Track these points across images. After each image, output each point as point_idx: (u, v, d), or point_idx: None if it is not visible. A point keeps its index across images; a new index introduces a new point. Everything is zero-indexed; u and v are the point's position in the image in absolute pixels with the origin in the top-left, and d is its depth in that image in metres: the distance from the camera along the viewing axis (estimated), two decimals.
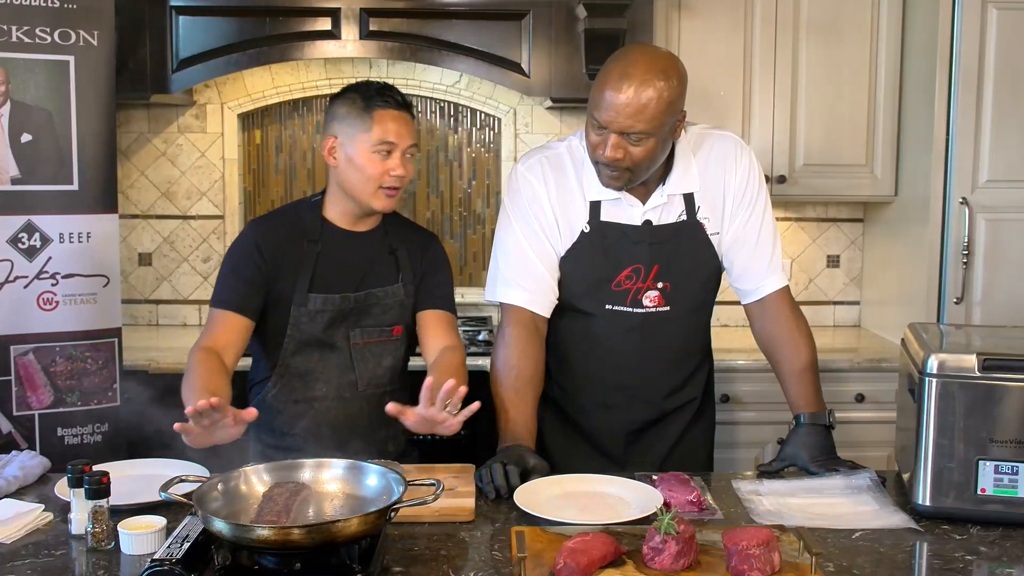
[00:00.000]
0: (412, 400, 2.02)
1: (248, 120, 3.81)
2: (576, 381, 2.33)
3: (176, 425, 1.85)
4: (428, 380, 1.90)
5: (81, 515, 1.78)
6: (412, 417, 1.92)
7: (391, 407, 1.93)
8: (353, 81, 3.72)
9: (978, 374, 1.86)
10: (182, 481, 1.71)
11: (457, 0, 3.33)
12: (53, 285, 2.94)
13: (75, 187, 2.95)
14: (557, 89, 3.38)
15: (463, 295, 3.86)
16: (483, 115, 3.84)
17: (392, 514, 1.62)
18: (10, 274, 2.89)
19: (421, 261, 2.34)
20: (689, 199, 2.22)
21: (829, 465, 2.11)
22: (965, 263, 3.22)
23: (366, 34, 3.31)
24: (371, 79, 2.32)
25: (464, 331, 3.46)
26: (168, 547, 1.59)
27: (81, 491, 1.77)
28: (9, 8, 2.84)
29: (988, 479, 1.86)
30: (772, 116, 3.51)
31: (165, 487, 1.66)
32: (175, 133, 3.76)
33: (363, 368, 2.29)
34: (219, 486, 1.71)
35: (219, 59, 3.32)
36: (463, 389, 1.91)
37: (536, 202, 2.22)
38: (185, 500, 1.62)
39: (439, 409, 1.87)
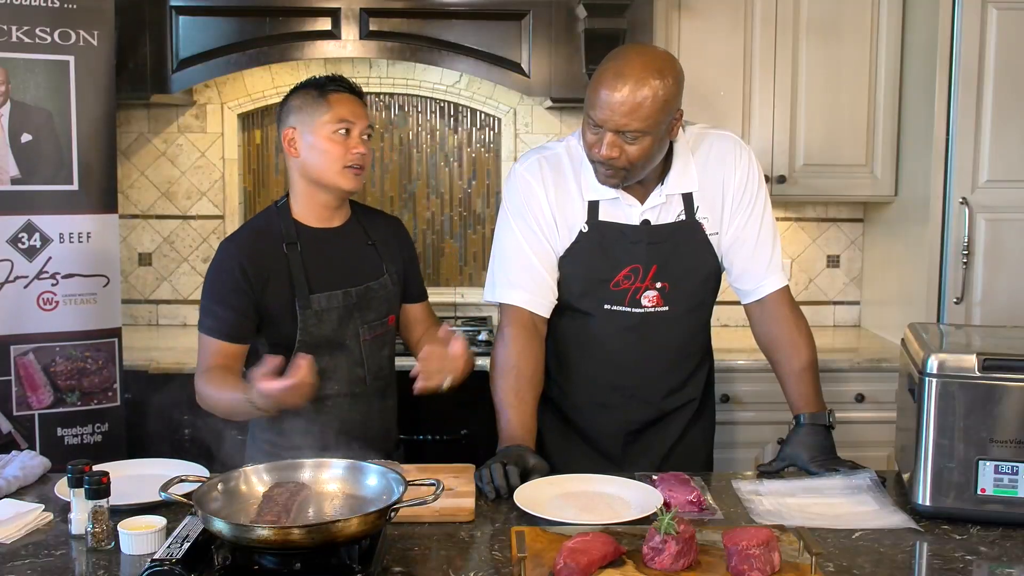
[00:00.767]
0: (402, 389, 2.26)
1: (248, 120, 3.81)
2: (575, 381, 2.33)
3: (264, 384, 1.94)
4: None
5: (81, 515, 1.78)
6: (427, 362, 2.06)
7: (419, 386, 2.07)
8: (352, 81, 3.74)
9: (978, 374, 1.86)
10: (182, 481, 1.71)
11: (457, 0, 3.33)
12: (53, 285, 2.94)
13: (75, 187, 2.95)
14: (557, 89, 3.38)
15: (463, 295, 3.86)
16: (483, 115, 3.84)
17: (392, 514, 1.62)
18: (10, 274, 2.89)
19: (400, 252, 2.39)
20: (688, 199, 2.22)
21: (829, 465, 2.11)
22: (965, 263, 3.22)
23: (366, 34, 3.31)
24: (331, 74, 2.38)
25: (464, 331, 3.46)
26: (168, 547, 1.59)
27: (81, 491, 1.77)
28: (9, 8, 2.84)
29: (988, 479, 1.86)
30: (772, 116, 3.51)
31: (165, 487, 1.65)
32: (175, 133, 3.76)
33: (371, 362, 2.30)
34: (219, 486, 1.71)
35: (219, 59, 3.32)
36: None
37: (535, 202, 2.22)
38: (185, 500, 1.62)
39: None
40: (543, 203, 2.22)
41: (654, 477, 2.02)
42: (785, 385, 2.27)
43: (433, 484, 1.69)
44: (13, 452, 2.16)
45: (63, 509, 1.87)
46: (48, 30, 2.88)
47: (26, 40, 2.86)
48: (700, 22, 3.47)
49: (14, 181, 2.88)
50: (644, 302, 2.23)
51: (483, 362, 3.10)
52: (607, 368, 2.28)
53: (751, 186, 2.24)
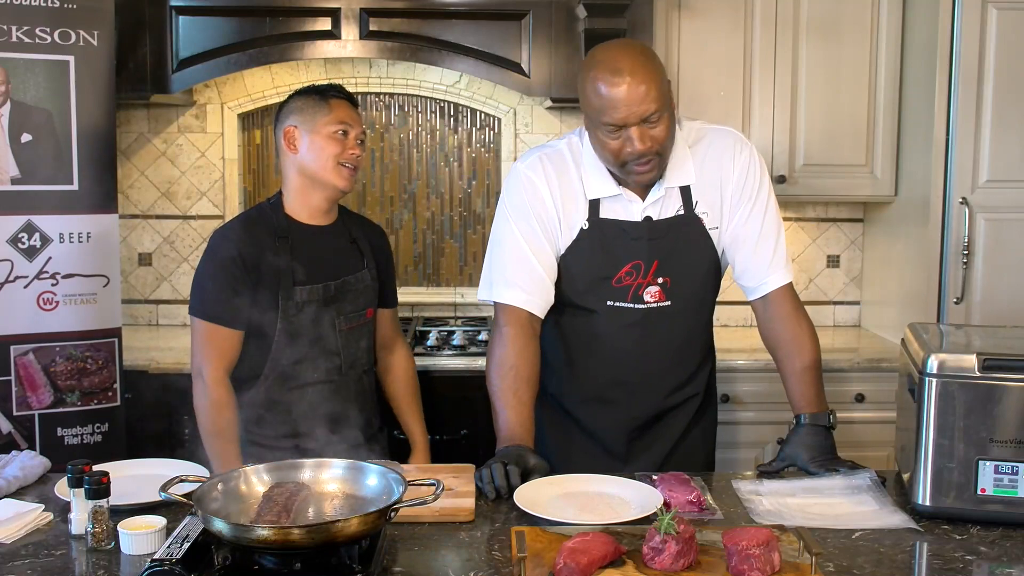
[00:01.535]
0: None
1: (248, 120, 3.81)
2: (578, 378, 2.33)
3: None
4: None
5: (81, 515, 1.78)
6: None
7: None
8: (352, 81, 3.75)
9: (978, 374, 1.86)
10: (182, 481, 1.71)
11: (457, 0, 3.33)
12: (53, 285, 2.94)
13: (75, 187, 2.95)
14: (557, 89, 3.38)
15: (463, 295, 3.86)
16: (483, 115, 3.84)
17: (392, 514, 1.62)
18: (10, 274, 2.89)
19: (379, 253, 2.58)
20: (686, 192, 2.22)
21: (829, 465, 2.10)
22: (965, 263, 3.22)
23: (366, 34, 3.31)
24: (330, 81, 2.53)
25: (464, 331, 3.46)
26: (168, 547, 1.59)
27: (81, 491, 1.77)
28: (9, 8, 2.84)
29: (988, 479, 1.86)
30: (772, 116, 3.51)
31: (165, 487, 1.65)
32: (175, 133, 3.76)
33: (347, 352, 2.45)
34: (219, 486, 1.71)
35: (219, 59, 3.32)
36: None
37: (538, 199, 2.22)
38: (185, 500, 1.62)
39: None
40: (547, 200, 2.22)
41: (654, 477, 2.02)
42: (787, 384, 2.26)
43: (433, 484, 1.69)
44: (13, 452, 2.16)
45: (63, 509, 1.87)
46: (48, 30, 2.88)
47: (26, 40, 2.86)
48: (700, 22, 3.47)
49: (14, 181, 2.88)
50: (647, 298, 2.23)
51: (483, 362, 3.11)
52: (610, 364, 2.28)
53: (752, 181, 2.24)
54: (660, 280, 2.22)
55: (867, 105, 3.52)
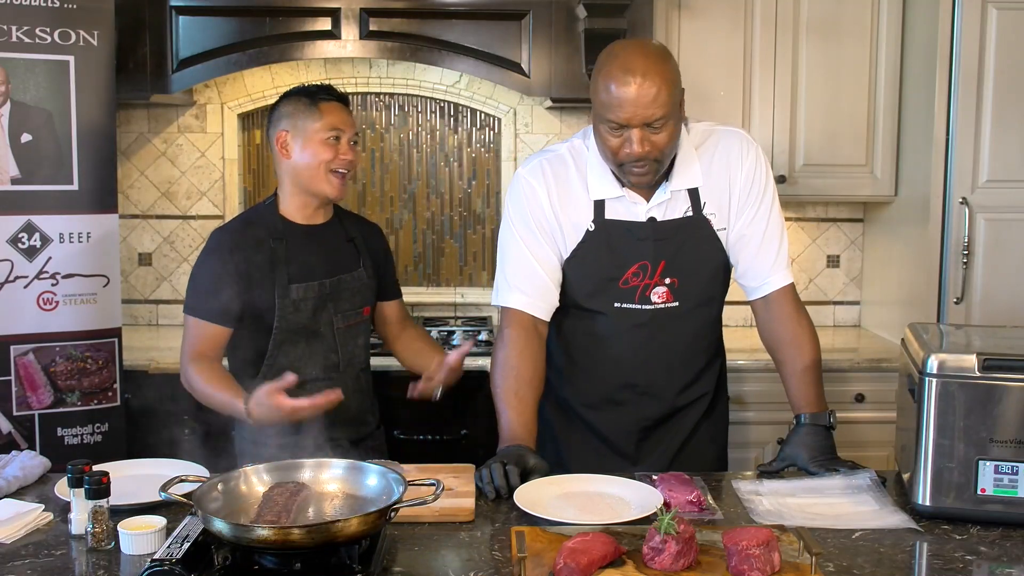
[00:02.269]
0: (377, 376, 2.59)
1: (248, 120, 3.81)
2: (587, 380, 2.33)
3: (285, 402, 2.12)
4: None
5: (81, 515, 1.78)
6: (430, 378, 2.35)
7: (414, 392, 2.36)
8: (352, 81, 3.75)
9: (978, 374, 1.86)
10: (182, 481, 1.71)
11: (457, 0, 3.33)
12: (53, 285, 2.94)
13: (75, 187, 2.95)
14: (557, 89, 3.38)
15: (463, 295, 3.86)
16: (483, 115, 3.83)
17: (392, 514, 1.62)
18: (10, 274, 2.89)
19: (378, 250, 2.59)
20: (694, 194, 2.22)
21: (829, 465, 2.11)
22: (965, 263, 3.22)
23: (366, 34, 3.31)
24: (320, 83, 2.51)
25: (464, 331, 3.46)
26: (168, 547, 1.59)
27: (81, 491, 1.77)
28: (9, 8, 2.84)
29: (988, 479, 1.86)
30: (772, 116, 3.50)
31: (165, 487, 1.66)
32: (175, 133, 3.76)
33: (344, 350, 2.46)
34: (219, 486, 1.71)
35: (219, 59, 3.31)
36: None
37: (537, 205, 2.22)
38: (185, 500, 1.62)
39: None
40: (545, 205, 2.22)
41: (654, 477, 2.02)
42: (787, 384, 2.27)
43: (433, 484, 1.69)
44: (13, 452, 2.16)
45: (63, 509, 1.87)
46: (48, 30, 2.88)
47: (26, 40, 2.86)
48: (700, 22, 3.47)
49: (14, 181, 2.88)
50: (654, 298, 2.23)
51: (483, 362, 3.12)
52: (619, 366, 2.28)
53: (758, 181, 2.24)
54: (667, 281, 2.22)
55: (867, 105, 3.52)
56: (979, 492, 1.86)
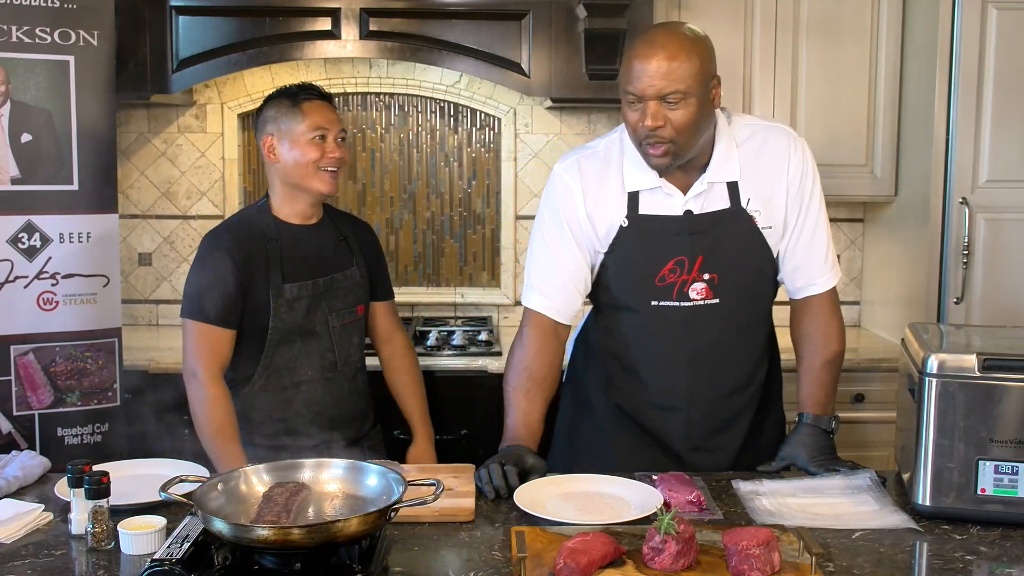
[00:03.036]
0: (375, 376, 2.61)
1: (248, 120, 3.81)
2: (633, 382, 2.26)
3: None
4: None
5: (81, 515, 1.78)
6: None
7: None
8: (352, 81, 3.75)
9: (978, 374, 1.86)
10: (182, 481, 1.71)
11: (457, 0, 3.33)
12: (53, 285, 2.94)
13: (75, 187, 2.95)
14: (557, 89, 3.38)
15: (463, 295, 3.86)
16: (483, 115, 3.83)
17: (392, 514, 1.62)
18: (10, 274, 2.89)
19: (370, 248, 2.61)
20: (732, 188, 2.16)
21: (829, 465, 2.10)
22: (965, 263, 3.22)
23: (366, 34, 3.31)
24: (303, 83, 2.52)
25: (464, 331, 3.46)
26: (168, 547, 1.59)
27: (81, 491, 1.77)
28: (9, 8, 2.84)
29: (988, 479, 1.86)
30: (772, 116, 3.50)
31: (165, 487, 1.65)
32: (175, 133, 3.76)
33: (341, 349, 2.48)
34: (219, 486, 1.71)
35: (219, 59, 3.32)
36: None
37: (570, 204, 2.19)
38: (185, 500, 1.62)
39: None
40: (578, 202, 2.18)
41: (654, 477, 2.02)
42: (801, 380, 2.26)
43: (433, 484, 1.69)
44: (13, 452, 2.16)
45: (63, 509, 1.87)
46: (48, 30, 2.88)
47: (26, 40, 2.86)
48: (700, 22, 3.44)
49: (14, 181, 2.88)
50: (692, 295, 2.16)
51: (483, 362, 3.12)
52: (661, 366, 2.21)
53: (807, 180, 2.20)
54: (706, 276, 2.15)
55: (867, 105, 3.52)
56: (979, 492, 1.86)
